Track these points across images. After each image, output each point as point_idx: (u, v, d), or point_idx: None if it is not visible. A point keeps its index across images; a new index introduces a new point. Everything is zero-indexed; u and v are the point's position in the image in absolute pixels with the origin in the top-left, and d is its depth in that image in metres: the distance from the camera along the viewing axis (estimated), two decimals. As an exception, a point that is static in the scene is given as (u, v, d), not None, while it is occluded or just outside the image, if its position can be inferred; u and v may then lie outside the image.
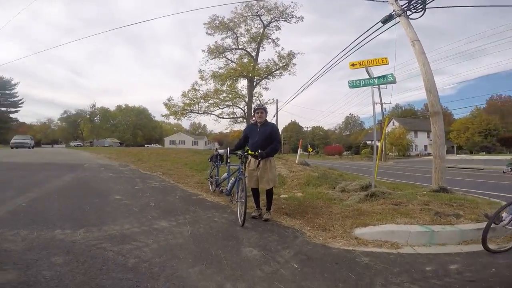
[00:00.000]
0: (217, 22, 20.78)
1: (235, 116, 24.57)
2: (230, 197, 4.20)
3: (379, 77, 5.05)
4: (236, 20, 21.25)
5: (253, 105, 24.04)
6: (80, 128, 65.51)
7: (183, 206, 4.06)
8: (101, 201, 3.99)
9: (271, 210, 3.79)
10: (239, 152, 3.81)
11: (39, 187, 4.62)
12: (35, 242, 2.19)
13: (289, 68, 22.19)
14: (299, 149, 12.02)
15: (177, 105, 19.85)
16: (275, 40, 22.61)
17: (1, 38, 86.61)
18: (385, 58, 5.05)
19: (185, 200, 4.53)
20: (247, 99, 23.68)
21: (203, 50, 21.36)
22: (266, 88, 24.44)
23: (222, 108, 23.17)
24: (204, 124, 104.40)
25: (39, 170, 6.53)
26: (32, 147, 26.68)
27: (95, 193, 4.51)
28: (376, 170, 6.73)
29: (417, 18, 5.70)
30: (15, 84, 54.90)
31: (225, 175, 4.74)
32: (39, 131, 67.47)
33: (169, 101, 19.82)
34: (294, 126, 79.93)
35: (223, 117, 23.06)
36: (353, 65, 5.23)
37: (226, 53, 22.22)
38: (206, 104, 21.83)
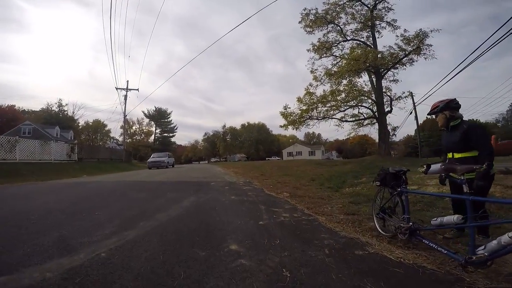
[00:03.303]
0: (312, 16, 18.56)
1: (361, 117, 20.78)
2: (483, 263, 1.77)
3: None
4: (331, 11, 18.29)
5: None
6: (217, 146, 78.28)
7: (347, 280, 1.94)
8: (207, 254, 2.48)
9: None
10: None
11: (148, 219, 3.78)
12: None
13: (423, 51, 16.87)
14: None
15: (294, 113, 18.60)
16: (392, 23, 17.92)
17: (154, 77, 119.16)
18: None
19: (345, 259, 2.37)
20: (373, 96, 19.53)
21: (308, 50, 19.51)
22: (395, 81, 19.58)
23: (344, 110, 20.10)
24: (319, 133, 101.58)
25: (167, 191, 6.27)
26: (172, 166, 23.67)
27: (206, 234, 3.14)
28: None
29: None
30: (170, 113, 72.64)
31: (455, 217, 2.22)
32: (190, 151, 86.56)
33: (286, 109, 18.82)
34: (432, 123, 64.15)
35: (346, 120, 19.89)
36: None
37: (333, 50, 19.47)
38: (325, 108, 19.49)
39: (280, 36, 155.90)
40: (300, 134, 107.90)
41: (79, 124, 57.62)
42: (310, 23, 18.61)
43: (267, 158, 66.69)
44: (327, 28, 18.94)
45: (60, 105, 50.96)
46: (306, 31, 19.04)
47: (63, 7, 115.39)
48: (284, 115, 18.64)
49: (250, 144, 76.66)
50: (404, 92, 19.73)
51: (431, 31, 16.11)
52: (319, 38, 19.14)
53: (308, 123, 18.92)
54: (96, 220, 3.72)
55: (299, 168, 13.77)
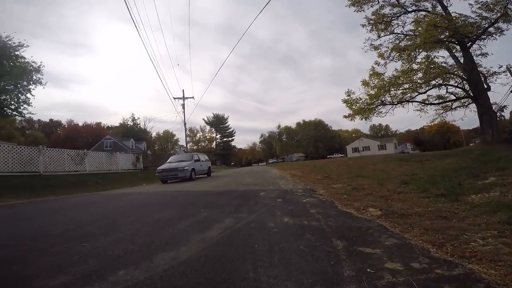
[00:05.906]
0: None
1: (448, 99, 16.08)
2: None
3: None
4: None
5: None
6: (274, 147, 77.36)
7: None
8: None
9: None
10: None
11: (139, 264, 2.21)
12: None
13: None
14: None
15: (361, 99, 15.35)
16: None
17: (205, 84, 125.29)
18: None
19: None
20: (461, 73, 14.73)
21: (363, 25, 15.85)
22: (483, 54, 14.51)
23: (425, 92, 15.83)
24: (387, 125, 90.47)
25: (201, 207, 4.69)
26: (206, 174, 15.61)
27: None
28: None
29: None
30: (227, 118, 74.84)
31: None
32: (249, 153, 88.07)
33: (349, 96, 15.67)
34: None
35: (431, 103, 15.59)
36: None
37: (393, 26, 15.49)
38: (400, 91, 15.66)
39: (321, 30, 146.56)
40: (364, 127, 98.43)
41: (152, 136, 64.26)
42: None
43: (328, 156, 61.93)
44: (378, 3, 15.32)
45: (133, 119, 57.66)
46: (354, 6, 15.72)
47: (115, 27, 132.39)
48: (348, 102, 15.53)
49: (308, 142, 73.02)
50: (501, 66, 14.48)
51: None
52: (373, 12, 15.62)
53: (380, 110, 15.43)
54: (68, 258, 2.41)
55: (375, 166, 10.84)
